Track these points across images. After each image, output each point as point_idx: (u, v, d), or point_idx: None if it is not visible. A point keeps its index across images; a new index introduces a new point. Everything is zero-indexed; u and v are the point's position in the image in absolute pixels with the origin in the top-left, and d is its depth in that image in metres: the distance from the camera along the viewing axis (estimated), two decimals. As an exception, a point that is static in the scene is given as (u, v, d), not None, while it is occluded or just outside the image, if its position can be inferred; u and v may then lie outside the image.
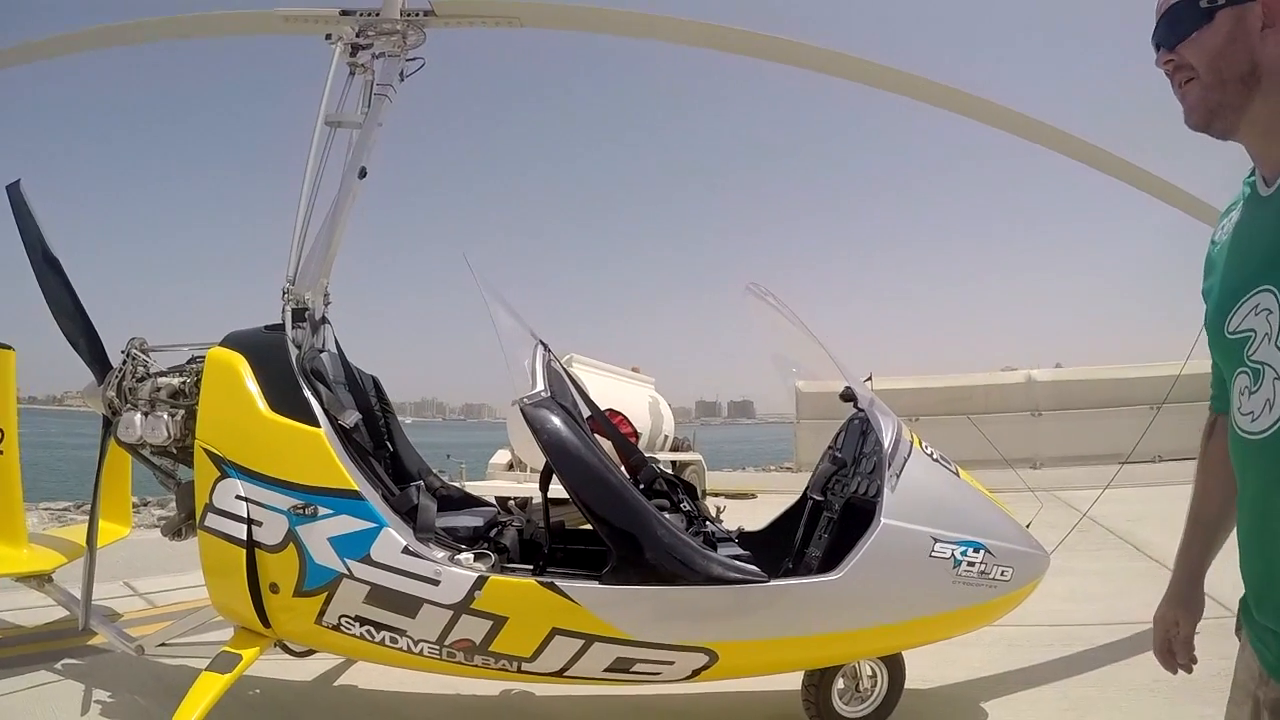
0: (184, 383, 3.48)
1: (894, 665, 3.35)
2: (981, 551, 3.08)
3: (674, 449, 12.26)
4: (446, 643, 2.95)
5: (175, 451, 3.50)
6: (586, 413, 3.82)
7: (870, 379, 3.77)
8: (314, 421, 3.13)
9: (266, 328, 3.42)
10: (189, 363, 3.57)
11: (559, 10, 4.03)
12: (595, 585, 2.86)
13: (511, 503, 5.40)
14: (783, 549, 3.61)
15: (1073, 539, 4.98)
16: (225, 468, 3.12)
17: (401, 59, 3.78)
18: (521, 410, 2.93)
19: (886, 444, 3.15)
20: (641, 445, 10.11)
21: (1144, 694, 3.63)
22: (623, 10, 3.97)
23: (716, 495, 11.13)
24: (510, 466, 9.30)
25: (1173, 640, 1.56)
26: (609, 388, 9.87)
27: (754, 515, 4.34)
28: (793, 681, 3.39)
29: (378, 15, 3.78)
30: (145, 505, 10.02)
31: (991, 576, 3.10)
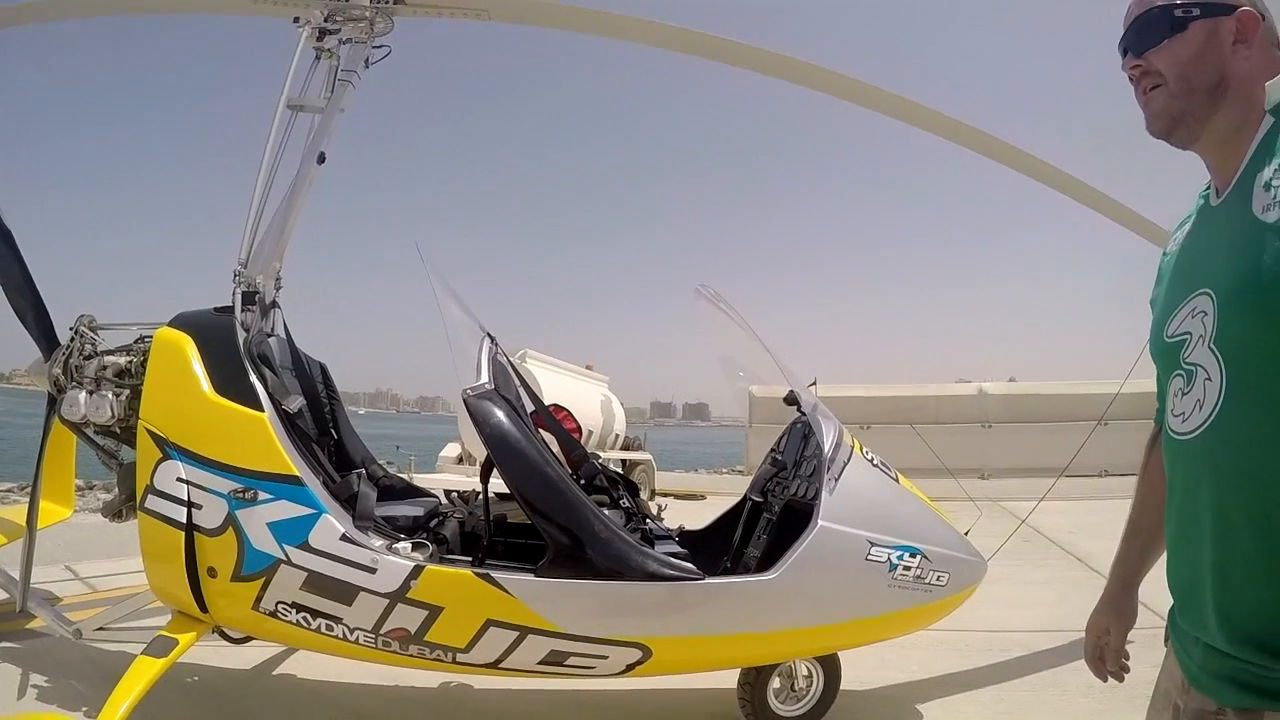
0: (130, 362, 3.44)
1: (830, 665, 3.40)
2: (918, 556, 3.12)
3: (625, 448, 12.32)
4: (382, 632, 2.95)
5: (119, 431, 3.46)
6: (531, 407, 3.82)
7: (815, 384, 3.82)
8: (258, 405, 3.11)
9: (216, 309, 3.39)
10: (136, 342, 3.53)
11: (528, 5, 4.03)
12: (530, 578, 2.87)
13: (454, 495, 5.38)
14: (722, 549, 3.65)
15: (1016, 548, 5.08)
16: (167, 449, 3.09)
17: (368, 46, 3.77)
18: (464, 401, 2.93)
19: (827, 448, 3.18)
20: (592, 443, 10.14)
21: (1079, 699, 3.71)
22: (592, 9, 3.99)
23: (666, 495, 11.19)
24: (460, 460, 9.28)
25: (1104, 648, 1.57)
26: (561, 384, 9.93)
27: (701, 516, 4.37)
28: (730, 679, 3.42)
29: (347, 1, 3.77)
30: (90, 489, 9.82)
31: (927, 581, 3.15)
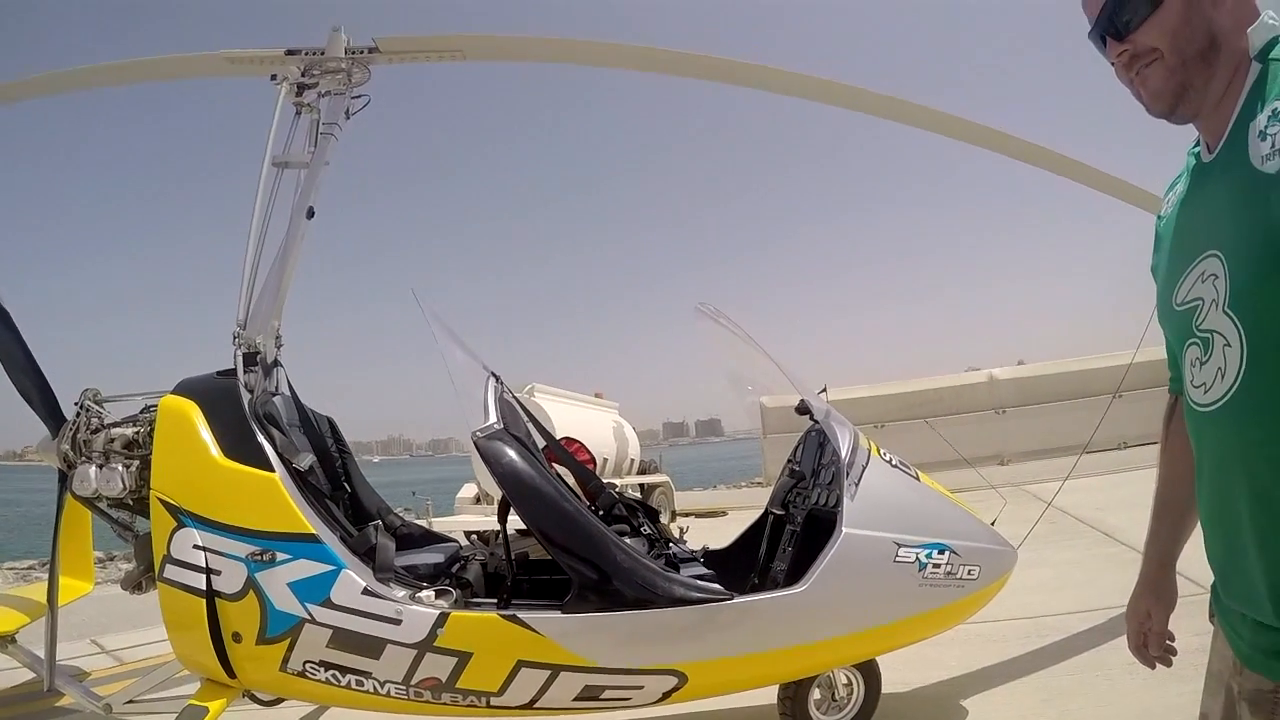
0: (138, 432, 3.43)
1: (869, 672, 3.35)
2: (946, 553, 3.09)
3: (641, 471, 12.29)
4: (413, 682, 2.91)
5: (132, 503, 3.44)
6: (542, 443, 3.80)
7: (825, 390, 3.79)
8: (268, 466, 3.09)
9: (218, 373, 3.38)
10: (142, 412, 3.52)
11: (502, 42, 4.03)
12: (558, 615, 2.84)
13: (474, 537, 5.35)
14: (748, 565, 3.61)
15: (1043, 530, 5.01)
16: (181, 517, 3.07)
17: (347, 96, 3.78)
18: (475, 443, 2.91)
19: (844, 454, 3.16)
20: (607, 469, 10.10)
21: (1121, 677, 3.64)
22: (565, 39, 4.00)
23: (687, 515, 11.12)
24: (477, 500, 9.27)
25: (1147, 633, 1.50)
26: (571, 415, 9.95)
27: (725, 533, 4.33)
28: (770, 695, 3.37)
29: (322, 54, 3.78)
30: (111, 560, 9.81)
31: (958, 576, 3.12)
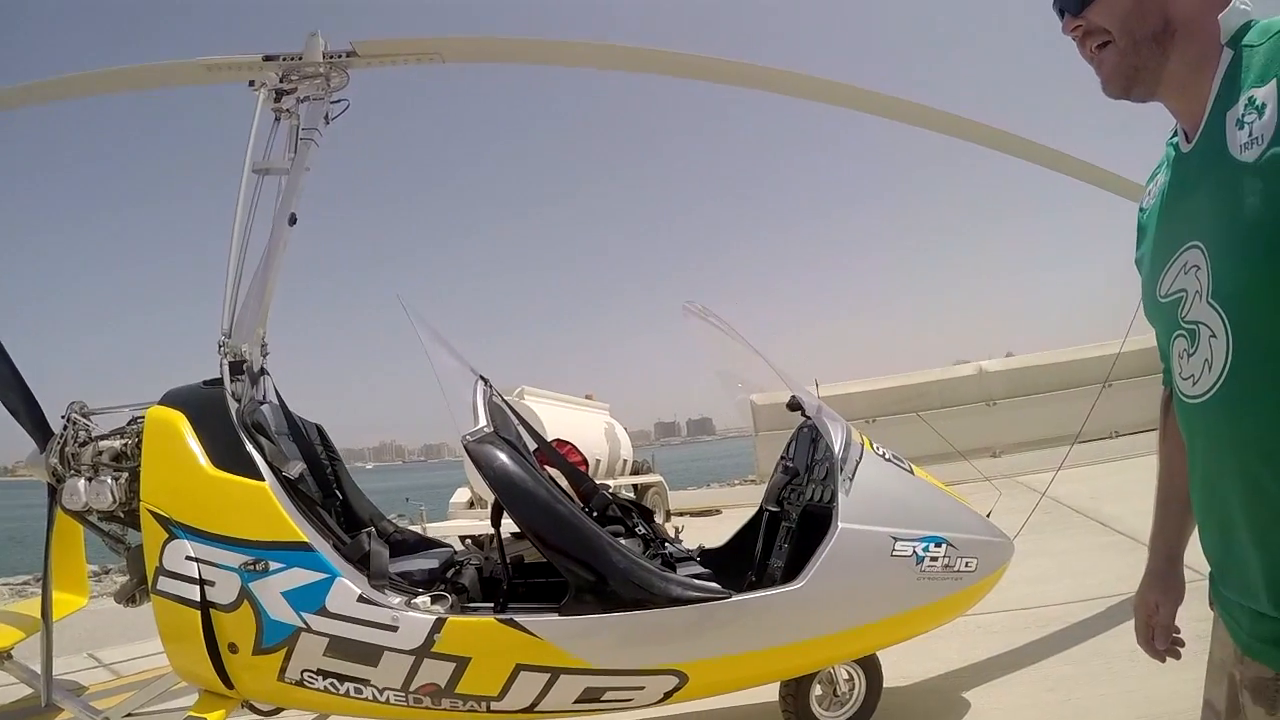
0: (126, 444, 3.40)
1: (870, 667, 3.35)
2: (943, 545, 3.08)
3: (634, 472, 12.24)
4: (412, 689, 2.89)
5: (122, 515, 3.42)
6: (533, 445, 3.78)
7: (816, 385, 3.78)
8: (258, 475, 3.06)
9: (205, 383, 3.35)
10: (130, 423, 3.48)
11: (480, 43, 4.00)
12: (555, 618, 2.82)
13: (469, 541, 5.32)
14: (745, 563, 3.59)
15: (1039, 520, 5.02)
16: (173, 528, 3.04)
17: (326, 101, 3.74)
18: (465, 447, 2.89)
19: (837, 449, 3.14)
20: (600, 471, 10.08)
21: (1124, 664, 3.64)
22: (544, 40, 3.97)
23: (681, 514, 11.12)
24: (471, 504, 9.25)
25: (1155, 626, 1.49)
26: (562, 417, 9.90)
27: (720, 531, 4.32)
28: (771, 692, 3.36)
29: (300, 59, 3.75)
30: (107, 573, 9.76)
31: (956, 569, 3.11)
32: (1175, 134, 1.22)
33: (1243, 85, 1.03)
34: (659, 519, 5.02)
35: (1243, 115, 1.01)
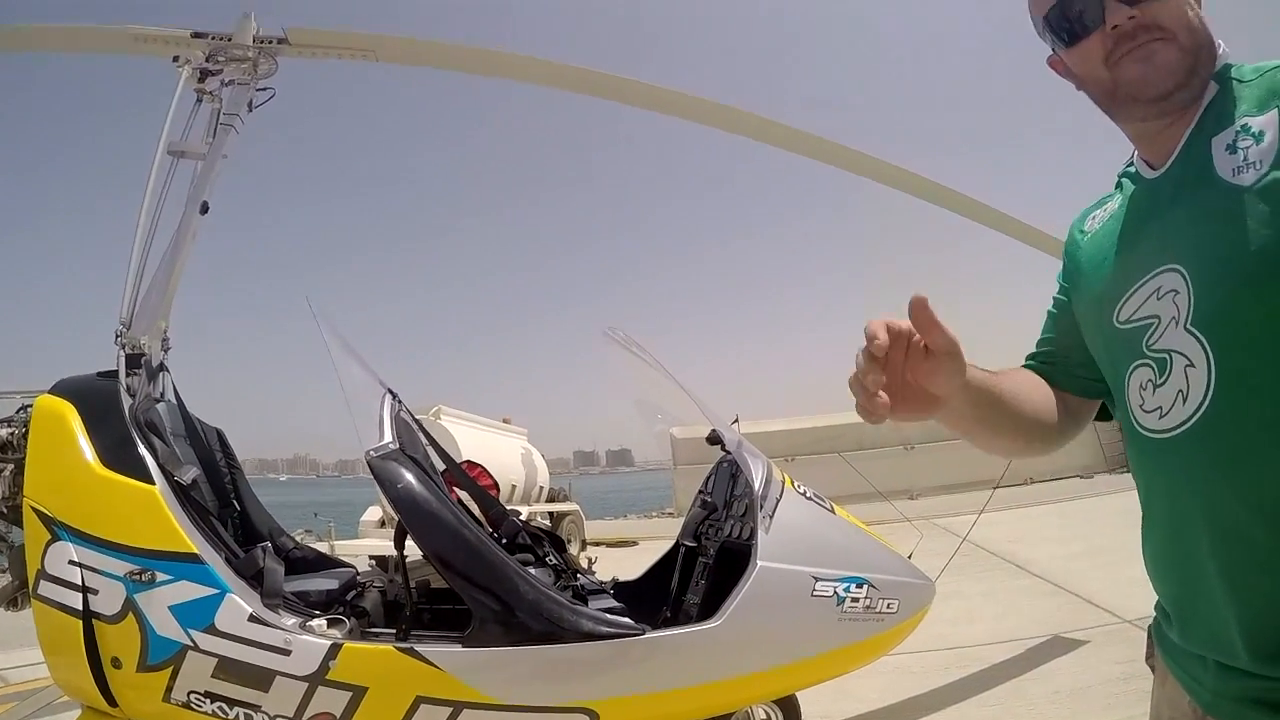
0: (13, 434, 3.17)
1: (788, 707, 3.28)
2: (865, 586, 3.02)
3: (551, 500, 12.13)
4: (305, 717, 2.71)
5: (6, 511, 3.19)
6: (441, 465, 3.62)
7: (737, 421, 3.71)
8: (148, 478, 2.86)
9: (99, 374, 3.13)
10: (18, 412, 3.25)
11: (415, 46, 3.88)
12: (458, 649, 2.67)
13: (373, 562, 5.12)
14: (660, 598, 3.50)
15: (958, 563, 5.06)
16: (56, 529, 2.83)
17: (251, 88, 3.56)
18: (368, 463, 2.74)
19: (757, 486, 3.07)
20: (516, 496, 9.94)
21: (1045, 706, 3.67)
22: (481, 49, 3.86)
23: (597, 544, 11.07)
24: (382, 523, 8.98)
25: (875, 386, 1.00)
26: (479, 439, 9.78)
27: (636, 563, 4.24)
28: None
29: (229, 40, 3.56)
30: (3, 572, 9.21)
31: (877, 610, 3.05)
32: (1130, 164, 1.20)
33: (1234, 114, 1.03)
34: (574, 548, 4.89)
35: (1235, 141, 1.00)
